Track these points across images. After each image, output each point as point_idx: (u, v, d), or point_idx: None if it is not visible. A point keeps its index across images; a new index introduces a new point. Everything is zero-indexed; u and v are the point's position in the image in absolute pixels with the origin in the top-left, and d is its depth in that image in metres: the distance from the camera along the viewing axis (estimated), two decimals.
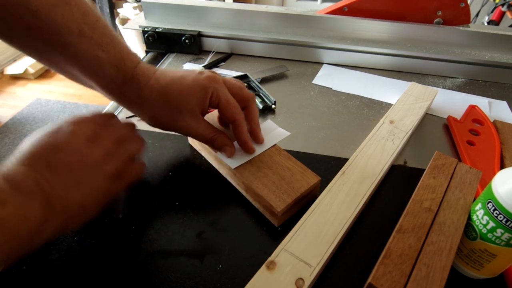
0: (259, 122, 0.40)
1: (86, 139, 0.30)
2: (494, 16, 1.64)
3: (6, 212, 0.24)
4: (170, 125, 0.37)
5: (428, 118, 0.54)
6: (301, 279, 0.29)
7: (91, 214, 0.30)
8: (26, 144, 0.29)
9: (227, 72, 0.64)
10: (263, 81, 0.61)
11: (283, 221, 0.36)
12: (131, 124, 0.38)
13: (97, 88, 0.36)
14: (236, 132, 0.37)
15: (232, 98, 0.36)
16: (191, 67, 0.65)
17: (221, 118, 0.42)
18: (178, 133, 0.38)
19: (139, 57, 0.37)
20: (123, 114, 0.53)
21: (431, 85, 0.62)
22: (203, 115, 0.37)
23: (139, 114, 0.38)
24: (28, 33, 0.31)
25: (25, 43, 0.33)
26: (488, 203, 0.28)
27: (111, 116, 0.36)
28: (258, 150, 0.39)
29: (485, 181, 0.39)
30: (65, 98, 2.16)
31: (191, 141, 0.45)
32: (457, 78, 0.65)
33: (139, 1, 0.67)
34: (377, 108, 0.56)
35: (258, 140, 0.40)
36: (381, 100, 0.58)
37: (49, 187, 0.27)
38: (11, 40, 0.32)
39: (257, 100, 0.54)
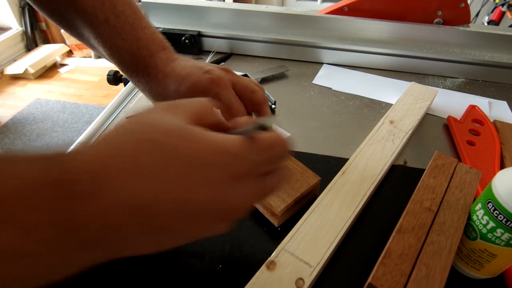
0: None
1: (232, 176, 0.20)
2: (494, 16, 1.64)
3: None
4: None
5: (428, 118, 0.54)
6: (301, 279, 0.29)
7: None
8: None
9: None
10: (263, 81, 0.61)
11: (283, 221, 0.36)
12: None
13: (122, 71, 0.38)
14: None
15: (236, 103, 0.34)
16: None
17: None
18: None
19: (161, 45, 0.37)
20: (123, 114, 0.53)
21: (431, 85, 0.62)
22: None
23: (152, 102, 0.39)
24: (70, 18, 0.35)
25: (72, 29, 0.37)
26: (488, 203, 0.28)
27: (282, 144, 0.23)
28: None
29: (485, 181, 0.39)
30: (65, 98, 2.16)
31: None
32: (457, 78, 0.65)
33: (139, 1, 0.67)
34: (377, 108, 0.56)
35: None
36: (381, 100, 0.58)
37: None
38: (62, 23, 0.37)
39: None
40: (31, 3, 0.38)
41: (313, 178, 0.36)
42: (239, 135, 0.21)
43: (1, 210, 0.15)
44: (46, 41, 2.66)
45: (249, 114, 0.39)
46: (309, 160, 0.44)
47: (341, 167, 0.40)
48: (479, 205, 0.30)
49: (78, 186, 0.16)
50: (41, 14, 0.38)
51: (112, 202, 0.17)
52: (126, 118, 0.21)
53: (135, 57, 0.36)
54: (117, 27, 0.35)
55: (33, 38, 2.55)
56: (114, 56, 0.36)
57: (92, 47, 0.38)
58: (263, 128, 0.22)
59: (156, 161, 0.18)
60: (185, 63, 0.36)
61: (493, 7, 1.66)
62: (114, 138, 0.19)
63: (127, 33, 0.35)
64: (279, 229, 0.36)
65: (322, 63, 0.68)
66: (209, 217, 0.20)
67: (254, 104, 0.36)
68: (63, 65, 2.52)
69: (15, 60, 2.40)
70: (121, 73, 0.65)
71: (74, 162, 0.17)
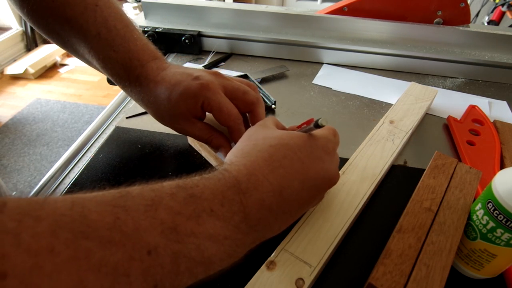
0: None
1: (329, 180, 0.30)
2: (494, 16, 1.64)
3: (221, 250, 0.22)
4: (169, 126, 0.39)
5: (428, 118, 0.54)
6: (301, 279, 0.29)
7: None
8: (281, 156, 0.27)
9: (227, 72, 0.64)
10: (263, 81, 0.61)
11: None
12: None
13: (115, 83, 0.39)
14: (231, 137, 0.37)
15: (227, 105, 0.35)
16: (191, 67, 0.65)
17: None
18: (179, 133, 0.39)
19: (152, 55, 0.38)
20: (123, 114, 0.53)
21: (431, 85, 0.62)
22: (200, 118, 0.37)
23: (147, 110, 0.39)
24: (69, 36, 0.37)
25: (70, 46, 0.39)
26: (488, 203, 0.28)
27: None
28: None
29: (485, 181, 0.39)
30: (65, 98, 2.16)
31: (191, 141, 0.45)
32: (457, 78, 0.65)
33: (139, 1, 0.67)
34: (377, 108, 0.56)
35: None
36: (381, 100, 0.58)
37: (274, 221, 0.26)
38: (59, 42, 0.39)
39: None
40: (29, 23, 0.39)
41: None
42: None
43: (210, 208, 0.22)
44: (46, 41, 2.66)
45: (243, 114, 0.40)
46: None
47: (341, 167, 0.40)
48: (479, 205, 0.30)
49: (242, 185, 0.24)
50: (47, 38, 0.40)
51: (263, 191, 0.25)
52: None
53: (126, 68, 0.37)
54: (109, 40, 0.36)
55: (33, 38, 2.55)
56: (107, 67, 0.37)
57: (87, 61, 0.40)
58: (319, 125, 0.28)
59: (281, 156, 0.27)
60: (175, 70, 0.37)
61: (493, 7, 1.66)
62: (247, 151, 0.27)
63: (119, 45, 0.36)
64: None
65: (322, 63, 0.68)
66: (321, 185, 0.29)
67: (247, 105, 0.37)
68: (63, 65, 2.52)
69: (15, 60, 2.40)
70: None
71: (233, 173, 0.25)
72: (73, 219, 0.17)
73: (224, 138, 0.38)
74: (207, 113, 0.37)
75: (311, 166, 0.27)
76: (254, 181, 0.25)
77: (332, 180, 0.29)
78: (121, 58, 0.36)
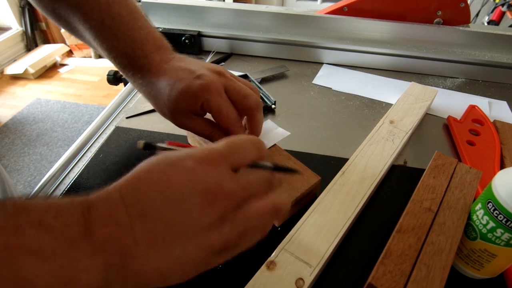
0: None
1: (203, 192, 0.22)
2: (494, 16, 1.64)
3: (46, 271, 0.18)
4: (170, 120, 0.38)
5: (428, 118, 0.54)
6: (301, 279, 0.29)
7: (171, 284, 0.22)
8: (141, 165, 0.22)
9: None
10: (263, 81, 0.61)
11: (284, 220, 0.36)
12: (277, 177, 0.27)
13: (121, 72, 0.38)
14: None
15: (227, 108, 0.34)
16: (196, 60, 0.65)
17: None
18: (180, 128, 0.38)
19: (156, 44, 0.37)
20: (123, 114, 0.53)
21: (431, 85, 0.62)
22: (201, 114, 0.37)
23: (149, 102, 0.39)
24: (76, 24, 0.36)
25: (78, 33, 0.38)
26: (488, 203, 0.28)
27: (258, 152, 0.26)
28: None
29: (485, 181, 0.39)
30: (65, 98, 2.16)
31: (190, 140, 0.45)
32: (457, 78, 0.65)
33: (139, 1, 0.67)
34: (377, 108, 0.56)
35: None
36: (381, 100, 0.58)
37: (132, 242, 0.20)
38: (68, 28, 0.38)
39: None
40: (38, 8, 0.39)
41: (313, 178, 0.37)
42: None
43: (37, 220, 0.18)
44: (46, 41, 2.66)
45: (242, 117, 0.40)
46: (309, 160, 0.44)
47: (341, 167, 0.40)
48: (479, 205, 0.30)
49: (89, 200, 0.21)
50: (42, 14, 0.39)
51: (111, 203, 0.21)
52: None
53: (129, 58, 0.36)
54: (113, 28, 0.35)
55: (33, 38, 2.55)
56: (111, 56, 0.37)
57: (94, 48, 0.39)
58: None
59: (142, 169, 0.23)
60: (178, 64, 0.36)
61: (493, 7, 1.66)
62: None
63: (122, 34, 0.35)
64: (279, 229, 0.36)
65: (322, 63, 0.68)
66: (192, 198, 0.22)
67: (246, 109, 0.36)
68: (63, 65, 2.52)
69: (15, 60, 2.40)
70: (120, 73, 0.65)
71: (90, 194, 0.21)
72: None
73: (225, 135, 0.38)
74: None
75: (170, 175, 0.22)
76: (103, 195, 0.21)
77: (209, 191, 0.22)
78: (124, 48, 0.36)
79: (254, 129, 0.38)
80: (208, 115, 0.37)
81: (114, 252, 0.20)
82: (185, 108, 0.35)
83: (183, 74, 0.35)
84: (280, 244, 0.31)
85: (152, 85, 0.36)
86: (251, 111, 0.36)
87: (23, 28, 2.51)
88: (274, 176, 0.26)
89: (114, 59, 0.37)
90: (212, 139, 0.38)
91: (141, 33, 0.36)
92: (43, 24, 2.58)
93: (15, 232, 0.17)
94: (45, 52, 2.46)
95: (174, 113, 0.36)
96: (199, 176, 0.22)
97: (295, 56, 0.68)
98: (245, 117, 0.38)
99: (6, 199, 0.19)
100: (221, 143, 0.25)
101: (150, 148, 0.28)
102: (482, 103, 0.57)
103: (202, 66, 0.36)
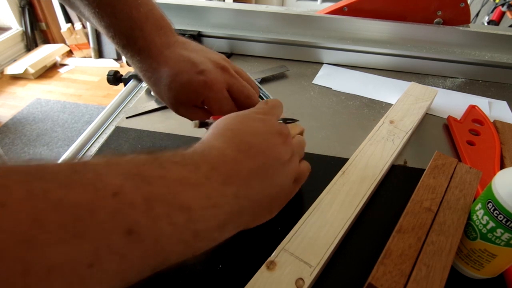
0: None
1: (277, 133, 0.28)
2: (494, 16, 1.64)
3: (197, 196, 0.20)
4: (171, 107, 0.36)
5: (428, 118, 0.54)
6: (301, 279, 0.29)
7: (272, 215, 0.28)
8: (223, 123, 0.27)
9: None
10: (263, 81, 0.61)
11: None
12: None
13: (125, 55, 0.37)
14: None
15: (227, 106, 0.34)
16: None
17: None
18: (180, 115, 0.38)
19: (157, 24, 0.35)
20: (123, 114, 0.53)
21: (431, 85, 0.62)
22: (201, 107, 0.36)
23: (150, 87, 0.37)
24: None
25: (78, 10, 0.36)
26: (488, 203, 0.28)
27: (282, 109, 0.34)
28: None
29: (485, 181, 0.39)
30: (65, 98, 2.16)
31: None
32: (457, 78, 0.65)
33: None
34: (377, 108, 0.56)
35: None
36: (381, 100, 0.58)
37: (247, 174, 0.24)
38: (66, 3, 0.36)
39: None
40: None
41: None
42: None
43: (172, 160, 0.21)
44: (46, 41, 2.66)
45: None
46: (309, 160, 0.44)
47: (341, 167, 0.40)
48: (479, 205, 0.30)
49: (197, 148, 0.24)
50: (42, 14, 0.38)
51: (220, 147, 0.25)
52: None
53: (128, 38, 0.34)
54: (111, 5, 0.33)
55: (33, 38, 2.55)
56: (109, 36, 0.35)
57: (95, 26, 0.37)
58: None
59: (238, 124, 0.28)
60: (181, 52, 0.34)
61: (493, 7, 1.66)
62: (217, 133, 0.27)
63: (120, 12, 0.33)
64: (279, 229, 0.36)
65: (322, 63, 0.68)
66: (270, 157, 0.27)
67: (244, 107, 0.35)
68: (63, 65, 2.52)
69: (15, 60, 2.40)
70: (120, 73, 0.65)
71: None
72: (28, 169, 0.16)
73: None
74: None
75: (253, 123, 0.28)
76: (207, 145, 0.25)
77: (280, 133, 0.28)
78: (123, 27, 0.33)
79: None
80: None
81: (239, 184, 0.23)
82: (186, 100, 0.34)
83: (186, 66, 0.33)
84: (280, 244, 0.31)
85: (152, 71, 0.34)
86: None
87: (23, 28, 2.51)
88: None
89: (113, 38, 0.34)
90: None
91: (140, 11, 0.34)
92: (43, 24, 2.58)
93: (162, 167, 0.20)
94: (45, 52, 2.46)
95: (174, 103, 0.35)
96: (269, 123, 0.28)
97: (295, 56, 0.68)
98: None
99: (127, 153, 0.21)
100: (263, 103, 0.32)
101: (205, 125, 0.31)
102: (482, 103, 0.57)
103: (206, 57, 0.35)
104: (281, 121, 0.32)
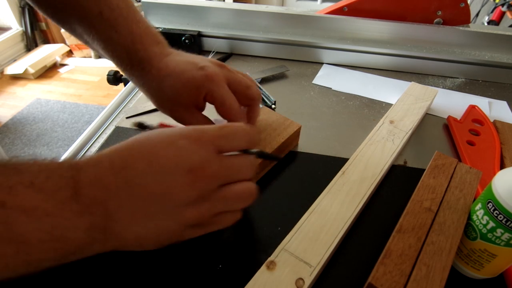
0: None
1: (187, 171, 0.23)
2: (494, 16, 1.64)
3: (39, 228, 0.19)
4: (168, 113, 0.37)
5: (428, 118, 0.54)
6: (301, 279, 0.29)
7: (145, 249, 0.26)
8: (138, 139, 0.24)
9: None
10: (263, 81, 0.61)
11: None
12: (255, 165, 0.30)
13: (118, 68, 0.37)
14: None
15: (230, 98, 0.34)
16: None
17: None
18: (177, 122, 0.38)
19: (154, 38, 0.37)
20: (123, 114, 0.53)
21: (431, 85, 0.62)
22: (200, 109, 0.36)
23: (148, 97, 0.38)
24: (67, 16, 0.35)
25: (65, 24, 0.37)
26: (488, 203, 0.28)
27: (248, 143, 0.28)
28: None
29: (485, 181, 0.39)
30: (65, 98, 2.16)
31: None
32: (457, 78, 0.65)
33: (139, 1, 0.67)
34: (377, 108, 0.56)
35: None
36: (381, 100, 0.58)
37: (115, 207, 0.22)
38: (54, 19, 0.37)
39: None
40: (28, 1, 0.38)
41: (294, 126, 0.40)
42: None
43: (29, 181, 0.20)
44: (46, 41, 2.66)
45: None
46: (309, 160, 0.44)
47: (341, 167, 0.40)
48: (479, 205, 0.30)
49: (79, 164, 0.22)
50: (41, 13, 0.38)
51: (101, 167, 0.22)
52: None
53: (129, 50, 0.35)
54: (111, 19, 0.34)
55: (33, 38, 2.55)
56: (108, 50, 0.36)
57: (86, 42, 0.38)
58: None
59: (133, 140, 0.25)
60: (179, 58, 0.36)
61: (493, 7, 1.66)
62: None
63: (121, 26, 0.35)
64: (279, 229, 0.36)
65: (322, 63, 0.68)
66: (176, 174, 0.24)
67: (248, 99, 0.36)
68: (63, 65, 2.52)
69: (15, 60, 2.40)
70: (121, 72, 0.65)
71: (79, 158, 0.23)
72: None
73: None
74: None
75: (159, 149, 0.23)
76: (94, 160, 0.22)
77: (192, 171, 0.23)
78: (123, 40, 0.35)
79: (253, 118, 0.38)
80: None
81: (99, 214, 0.21)
82: (188, 99, 0.35)
83: (186, 66, 0.35)
84: (280, 244, 0.31)
85: (153, 78, 0.35)
86: (253, 101, 0.37)
87: (23, 28, 2.51)
88: (256, 160, 0.29)
89: (111, 52, 0.36)
90: None
91: (139, 27, 0.36)
92: (43, 24, 2.58)
93: (10, 192, 0.19)
94: (45, 52, 2.46)
95: (174, 105, 0.36)
96: (186, 154, 0.24)
97: (295, 56, 0.68)
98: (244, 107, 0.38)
99: (1, 160, 0.20)
100: (215, 127, 0.26)
101: (143, 128, 0.29)
102: (482, 103, 0.57)
103: (203, 59, 0.36)
104: (255, 155, 0.28)
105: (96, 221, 0.21)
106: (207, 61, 0.36)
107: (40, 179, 0.20)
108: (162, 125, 0.31)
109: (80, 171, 0.22)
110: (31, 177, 0.20)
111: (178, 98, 0.35)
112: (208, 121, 0.37)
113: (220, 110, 0.35)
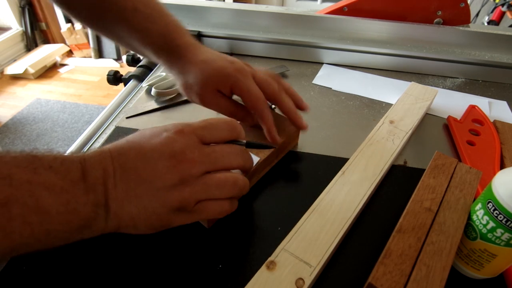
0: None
1: (169, 156, 0.27)
2: (494, 16, 1.64)
3: (57, 202, 0.23)
4: (196, 94, 0.39)
5: (428, 118, 0.54)
6: (301, 279, 0.29)
7: (141, 233, 0.28)
8: (126, 136, 0.29)
9: None
10: None
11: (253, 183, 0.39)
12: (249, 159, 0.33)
13: (153, 58, 0.41)
14: (259, 120, 0.39)
15: (255, 89, 0.37)
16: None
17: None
18: (203, 105, 0.41)
19: (186, 32, 0.41)
20: (123, 114, 0.53)
21: (431, 85, 0.62)
22: (228, 95, 0.39)
23: (178, 80, 0.41)
24: (100, 15, 0.39)
25: (100, 25, 0.41)
26: (488, 203, 0.28)
27: (230, 132, 0.31)
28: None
29: (485, 181, 0.39)
30: (65, 98, 2.16)
31: None
32: (457, 78, 0.65)
33: None
34: (377, 108, 0.56)
35: (300, 121, 0.41)
36: (381, 100, 0.58)
37: (113, 185, 0.26)
38: (88, 22, 0.41)
39: None
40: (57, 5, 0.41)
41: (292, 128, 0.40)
42: None
43: (48, 165, 0.24)
44: (46, 41, 2.66)
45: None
46: (309, 160, 0.44)
47: (341, 167, 0.40)
48: (479, 205, 0.30)
49: (85, 155, 0.26)
50: (42, 14, 0.41)
51: (102, 156, 0.26)
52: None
53: (166, 38, 0.39)
54: (147, 13, 0.39)
55: (33, 38, 2.55)
56: (144, 39, 0.39)
57: (118, 38, 0.41)
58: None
59: (131, 136, 0.29)
60: (211, 51, 0.40)
61: (493, 7, 1.66)
62: None
63: (156, 18, 0.39)
64: (279, 229, 0.36)
65: (322, 63, 0.68)
66: (160, 158, 0.27)
67: (271, 94, 0.39)
68: (63, 65, 2.52)
69: (15, 60, 2.40)
70: (120, 73, 0.65)
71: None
72: None
73: (249, 114, 0.40)
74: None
75: (148, 140, 0.28)
76: (97, 150, 0.27)
77: (174, 156, 0.27)
78: (161, 29, 0.39)
79: (287, 110, 0.40)
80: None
81: (100, 192, 0.25)
82: (216, 84, 0.38)
83: (219, 57, 0.39)
84: (280, 244, 0.31)
85: (189, 62, 0.39)
86: (275, 96, 0.39)
87: (23, 28, 2.51)
88: (244, 149, 0.31)
89: (148, 39, 0.39)
90: (235, 117, 0.40)
91: (173, 20, 0.40)
92: (43, 24, 2.58)
93: (34, 172, 0.23)
94: (45, 52, 2.46)
95: (202, 88, 0.38)
96: (169, 142, 0.27)
97: (295, 56, 0.68)
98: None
99: (21, 150, 0.24)
100: (198, 121, 0.30)
101: None
102: (482, 103, 0.57)
103: (232, 57, 0.40)
104: (244, 145, 0.31)
105: (98, 198, 0.25)
106: (235, 59, 0.40)
107: (57, 164, 0.24)
108: None
109: (86, 159, 0.26)
110: (50, 162, 0.24)
111: (208, 81, 0.38)
112: (234, 103, 0.40)
113: (247, 100, 0.38)
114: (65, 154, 0.25)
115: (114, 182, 0.26)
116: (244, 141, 0.31)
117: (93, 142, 0.48)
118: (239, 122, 0.36)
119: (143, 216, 0.27)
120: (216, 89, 0.38)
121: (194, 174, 0.27)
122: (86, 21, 0.42)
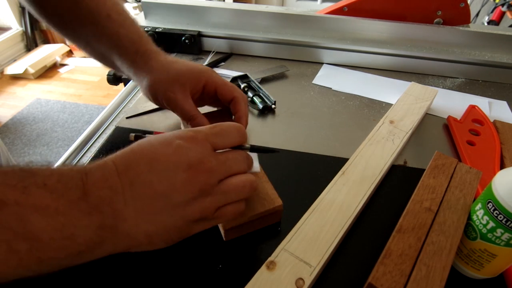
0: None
1: (187, 167, 0.25)
2: (494, 16, 1.64)
3: (50, 226, 0.20)
4: (161, 93, 0.40)
5: (428, 118, 0.54)
6: (301, 279, 0.29)
7: (156, 248, 0.26)
8: (130, 146, 0.26)
9: (227, 72, 0.64)
10: (263, 81, 0.61)
11: (233, 237, 0.34)
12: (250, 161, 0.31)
13: (117, 61, 0.42)
14: (235, 108, 0.40)
15: (228, 83, 0.41)
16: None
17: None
18: (166, 105, 0.41)
19: (153, 42, 0.43)
20: (123, 114, 0.53)
21: (431, 85, 0.62)
22: (193, 99, 0.40)
23: (140, 81, 0.41)
24: (72, 20, 0.40)
25: (70, 29, 0.41)
26: (488, 203, 0.28)
27: (240, 138, 0.29)
28: None
29: (485, 181, 0.39)
30: (65, 98, 2.16)
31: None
32: (457, 78, 0.65)
33: (139, 1, 0.67)
34: (377, 108, 0.56)
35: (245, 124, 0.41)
36: (381, 100, 0.58)
37: (123, 205, 0.23)
38: (57, 27, 0.41)
39: (257, 100, 0.54)
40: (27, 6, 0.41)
41: (273, 203, 0.33)
42: None
43: (42, 182, 0.21)
44: (46, 41, 2.66)
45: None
46: (309, 160, 0.44)
47: (341, 167, 0.40)
48: (479, 205, 0.30)
49: (87, 168, 0.24)
50: (43, 22, 0.42)
51: (106, 170, 0.24)
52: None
53: (136, 43, 0.40)
54: (119, 20, 0.40)
55: (33, 38, 2.55)
56: (112, 42, 0.40)
57: (86, 44, 0.42)
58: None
59: (135, 144, 0.26)
60: (177, 58, 0.43)
61: (493, 7, 1.66)
62: None
63: (129, 25, 0.41)
64: (279, 229, 0.36)
65: (322, 63, 0.68)
66: (176, 171, 0.25)
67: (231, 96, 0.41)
68: (63, 65, 2.52)
69: (15, 60, 2.40)
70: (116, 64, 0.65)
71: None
72: None
73: (207, 121, 0.39)
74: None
75: (159, 149, 0.25)
76: (100, 164, 0.24)
77: (191, 167, 0.25)
78: (131, 35, 0.40)
79: (243, 118, 0.40)
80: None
81: (107, 213, 0.22)
82: (188, 81, 0.39)
83: (188, 61, 0.42)
84: (280, 244, 0.31)
85: (161, 63, 0.40)
86: (237, 100, 0.40)
87: (23, 28, 2.50)
88: (248, 154, 0.30)
89: (118, 42, 0.40)
90: (193, 122, 0.39)
91: (142, 30, 0.42)
92: (43, 24, 2.57)
93: (24, 191, 0.20)
94: (45, 52, 2.46)
95: (172, 84, 0.39)
96: (184, 152, 0.25)
97: (295, 56, 0.68)
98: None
99: (13, 165, 0.22)
100: (208, 126, 0.28)
101: (141, 138, 0.30)
102: (482, 103, 0.57)
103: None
104: (247, 150, 0.30)
105: (105, 220, 0.22)
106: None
107: (52, 181, 0.21)
108: (156, 134, 0.33)
109: (88, 174, 0.23)
110: (44, 179, 0.21)
111: (180, 78, 0.39)
112: (196, 108, 0.40)
113: (223, 91, 0.40)
114: (65, 168, 0.23)
115: (124, 201, 0.23)
116: (248, 145, 0.30)
117: (93, 142, 0.48)
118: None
119: (161, 231, 0.25)
120: (186, 86, 0.39)
121: (213, 184, 0.26)
122: (57, 25, 0.42)
